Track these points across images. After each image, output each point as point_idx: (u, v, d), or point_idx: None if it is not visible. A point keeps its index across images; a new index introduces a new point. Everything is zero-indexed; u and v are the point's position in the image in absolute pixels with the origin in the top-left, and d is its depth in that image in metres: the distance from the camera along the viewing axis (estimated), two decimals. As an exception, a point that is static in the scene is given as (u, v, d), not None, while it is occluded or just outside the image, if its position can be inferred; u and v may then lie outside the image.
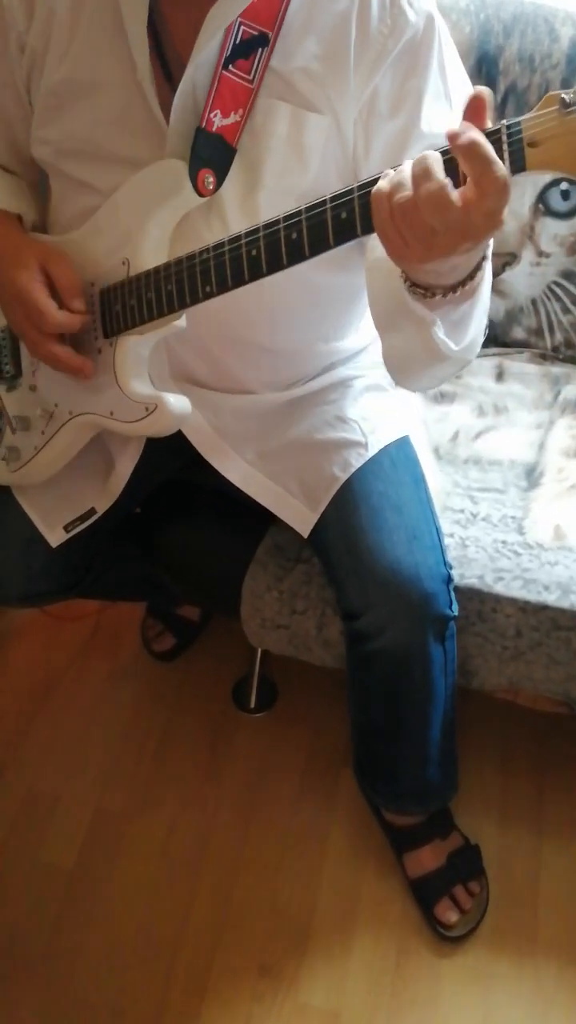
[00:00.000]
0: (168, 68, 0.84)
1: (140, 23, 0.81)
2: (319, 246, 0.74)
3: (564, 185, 1.30)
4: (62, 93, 0.87)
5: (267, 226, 0.76)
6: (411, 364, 0.86)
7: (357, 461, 1.02)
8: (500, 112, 1.28)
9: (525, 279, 1.36)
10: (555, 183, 1.30)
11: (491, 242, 0.79)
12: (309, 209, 0.74)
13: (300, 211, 0.74)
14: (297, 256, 0.75)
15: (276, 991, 1.12)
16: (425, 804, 1.18)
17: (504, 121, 0.65)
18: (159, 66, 0.84)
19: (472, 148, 0.62)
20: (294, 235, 0.75)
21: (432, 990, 1.12)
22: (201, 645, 1.52)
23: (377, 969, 1.14)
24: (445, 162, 0.65)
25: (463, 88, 0.86)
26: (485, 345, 1.41)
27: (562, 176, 1.29)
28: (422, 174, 0.64)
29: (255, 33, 0.81)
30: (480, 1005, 1.11)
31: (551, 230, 1.33)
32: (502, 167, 0.63)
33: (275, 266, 0.77)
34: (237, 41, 0.80)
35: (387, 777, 1.17)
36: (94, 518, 1.06)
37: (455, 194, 0.63)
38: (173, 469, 1.15)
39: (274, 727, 1.40)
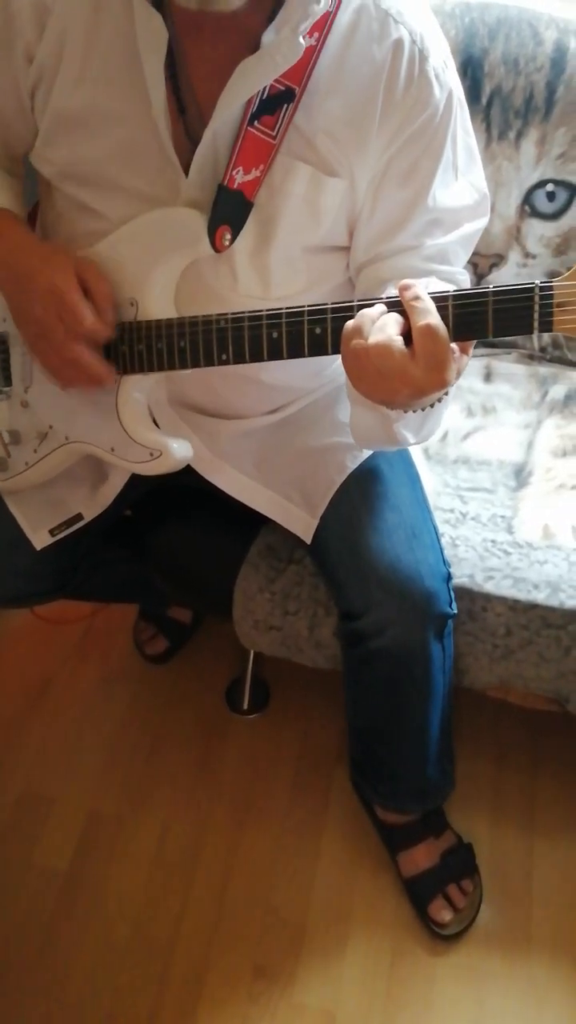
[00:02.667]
0: (182, 102, 0.83)
1: (158, 58, 0.79)
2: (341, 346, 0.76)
3: (550, 187, 1.31)
4: (72, 119, 0.85)
5: (290, 315, 0.77)
6: (371, 440, 0.90)
7: (352, 463, 1.03)
8: (485, 114, 1.29)
9: (512, 280, 1.36)
10: (540, 184, 1.31)
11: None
12: (335, 309, 0.75)
13: (326, 309, 0.75)
14: (319, 350, 0.77)
15: (271, 991, 1.13)
16: (424, 802, 1.19)
17: (538, 281, 0.67)
18: (173, 100, 0.83)
19: (414, 301, 0.68)
20: (317, 330, 0.76)
21: (426, 988, 1.13)
22: (193, 647, 1.52)
23: (371, 968, 1.15)
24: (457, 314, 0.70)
25: (471, 155, 0.88)
26: (473, 346, 1.44)
27: (549, 179, 1.31)
28: (371, 324, 0.69)
29: (282, 88, 0.79)
30: (474, 1003, 1.11)
31: (537, 231, 1.34)
32: (440, 324, 0.67)
33: (295, 354, 0.78)
34: (264, 96, 0.79)
35: (386, 776, 1.18)
36: (80, 524, 1.06)
37: (400, 347, 0.67)
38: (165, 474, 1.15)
39: (267, 728, 1.41)
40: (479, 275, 1.37)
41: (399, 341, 0.67)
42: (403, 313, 0.69)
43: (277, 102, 0.79)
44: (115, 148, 0.85)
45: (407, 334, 0.68)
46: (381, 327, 0.68)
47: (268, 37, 0.76)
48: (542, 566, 1.09)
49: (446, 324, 0.68)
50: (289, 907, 1.20)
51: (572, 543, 1.11)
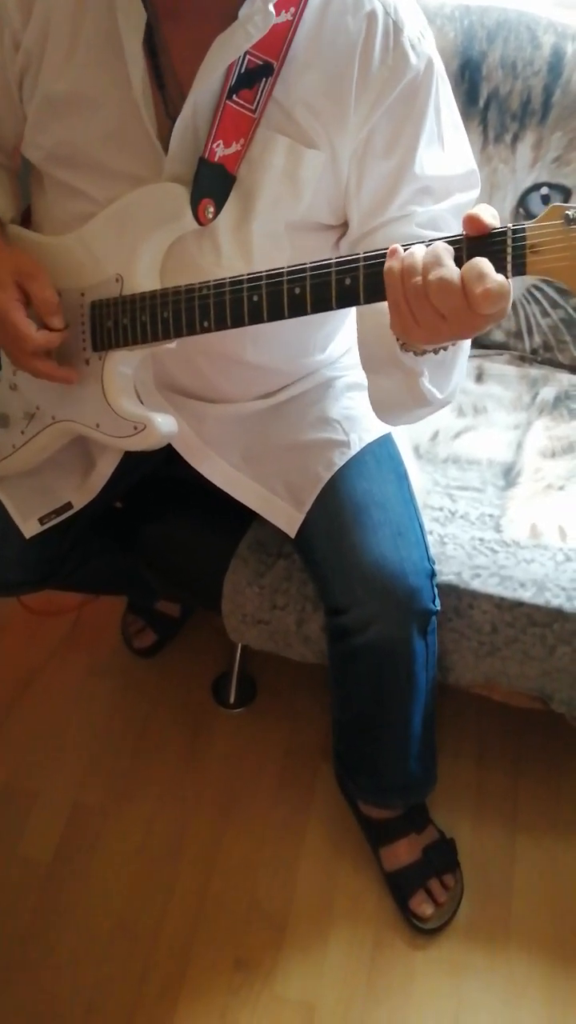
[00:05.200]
0: (164, 84, 0.84)
1: (136, 39, 0.81)
2: (321, 305, 0.76)
3: (545, 190, 1.32)
4: (58, 104, 0.86)
5: (270, 276, 0.77)
6: (395, 406, 0.89)
7: (340, 460, 1.03)
8: (482, 116, 1.30)
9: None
10: (535, 188, 1.32)
11: None
12: (314, 268, 0.75)
13: (305, 268, 0.75)
14: (299, 311, 0.77)
15: (252, 983, 1.13)
16: (406, 797, 1.20)
17: (510, 225, 0.67)
18: (154, 81, 0.84)
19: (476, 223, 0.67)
20: (296, 290, 0.76)
21: (406, 982, 1.14)
22: (181, 641, 1.52)
23: (353, 961, 1.15)
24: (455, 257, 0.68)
25: (457, 128, 0.88)
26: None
27: (544, 182, 1.32)
28: (433, 261, 0.67)
29: (260, 63, 0.80)
30: (453, 996, 1.12)
31: (531, 234, 1.35)
32: (495, 282, 0.65)
33: (276, 315, 0.78)
34: (242, 71, 0.80)
35: (369, 771, 1.19)
36: (70, 512, 1.06)
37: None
38: (155, 465, 1.16)
39: (253, 723, 1.41)
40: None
41: (458, 272, 0.66)
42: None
43: (256, 76, 0.80)
44: (99, 130, 0.86)
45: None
46: (437, 260, 0.67)
47: (244, 10, 0.78)
48: (529, 565, 1.10)
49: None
50: (272, 900, 1.21)
51: (559, 543, 1.13)
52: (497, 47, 1.27)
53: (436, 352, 0.77)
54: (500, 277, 0.65)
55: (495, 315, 0.66)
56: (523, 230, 0.67)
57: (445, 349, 0.78)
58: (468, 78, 1.29)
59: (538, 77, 1.27)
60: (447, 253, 0.67)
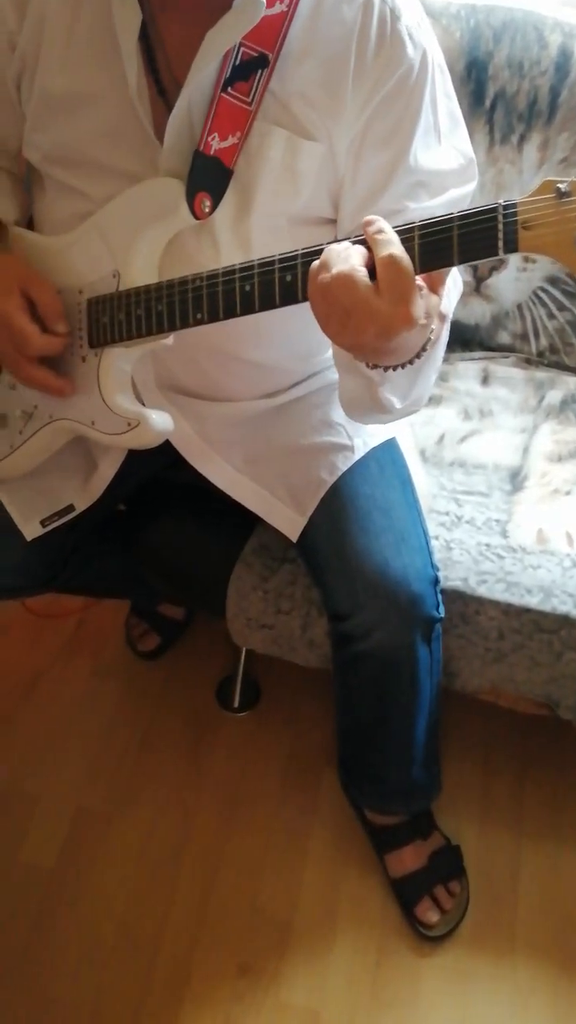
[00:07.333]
0: (160, 81, 0.84)
1: (131, 37, 0.80)
2: None
3: (551, 191, 1.31)
4: (55, 102, 0.86)
5: (262, 264, 0.76)
6: (360, 407, 0.89)
7: (344, 464, 1.03)
8: (488, 117, 1.29)
9: (512, 284, 1.37)
10: (542, 189, 1.31)
11: (445, 328, 0.82)
12: (306, 254, 0.74)
13: (296, 255, 0.74)
14: (290, 299, 0.76)
15: (256, 990, 1.13)
16: (410, 804, 1.19)
17: (501, 200, 0.66)
18: (151, 79, 0.83)
19: (377, 234, 0.67)
20: (288, 277, 0.75)
21: (412, 989, 1.13)
22: (185, 644, 1.52)
23: (357, 968, 1.15)
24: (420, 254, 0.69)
25: (454, 119, 0.87)
26: (471, 349, 1.44)
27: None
28: (336, 258, 0.68)
29: (255, 54, 0.79)
30: (458, 1004, 1.12)
31: (538, 236, 1.34)
32: (403, 254, 0.66)
33: (268, 304, 0.77)
34: (237, 63, 0.79)
35: (373, 777, 1.18)
36: (72, 515, 1.06)
37: (363, 277, 0.66)
38: (157, 467, 1.15)
39: (257, 727, 1.41)
40: (479, 278, 1.37)
41: (362, 272, 0.66)
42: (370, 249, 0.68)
43: (250, 68, 0.80)
44: (97, 129, 0.85)
45: (372, 268, 0.67)
46: (344, 259, 0.67)
47: (236, 1, 0.77)
48: (535, 571, 1.09)
49: (412, 255, 0.67)
50: (275, 906, 1.20)
51: (566, 548, 1.12)
52: (503, 47, 1.26)
53: (386, 370, 0.76)
54: (403, 253, 0.66)
55: (399, 310, 0.66)
56: (514, 206, 0.66)
57: (394, 369, 0.76)
58: (474, 78, 1.28)
59: (545, 77, 1.26)
60: (356, 252, 0.68)
